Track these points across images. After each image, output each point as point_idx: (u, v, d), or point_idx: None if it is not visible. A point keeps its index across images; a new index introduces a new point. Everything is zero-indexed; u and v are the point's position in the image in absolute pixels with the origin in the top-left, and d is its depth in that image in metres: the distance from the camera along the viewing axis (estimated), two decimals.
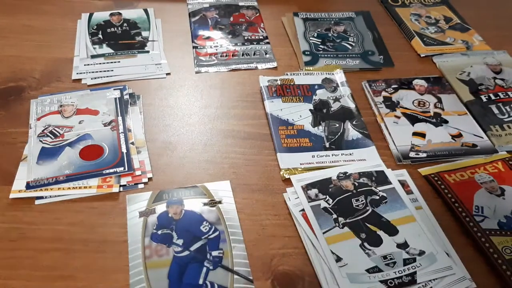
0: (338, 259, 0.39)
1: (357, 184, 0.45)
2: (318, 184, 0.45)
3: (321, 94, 0.56)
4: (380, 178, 0.46)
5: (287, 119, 0.52)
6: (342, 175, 0.46)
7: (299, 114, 0.53)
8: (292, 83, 0.57)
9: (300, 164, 0.47)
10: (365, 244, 0.40)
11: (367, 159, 0.48)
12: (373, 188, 0.45)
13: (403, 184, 0.46)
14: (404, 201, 0.44)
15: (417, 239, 0.41)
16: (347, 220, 0.42)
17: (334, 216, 0.42)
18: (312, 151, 0.49)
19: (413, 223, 0.42)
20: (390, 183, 0.46)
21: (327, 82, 0.57)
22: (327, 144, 0.50)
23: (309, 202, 0.43)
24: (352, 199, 0.44)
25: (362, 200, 0.44)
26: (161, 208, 0.42)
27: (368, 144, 0.50)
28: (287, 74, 0.58)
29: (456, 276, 0.38)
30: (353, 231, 0.41)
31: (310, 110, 0.54)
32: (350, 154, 0.49)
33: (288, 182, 0.46)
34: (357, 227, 0.42)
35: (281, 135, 0.50)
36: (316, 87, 0.56)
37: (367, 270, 0.38)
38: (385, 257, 0.39)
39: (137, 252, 0.39)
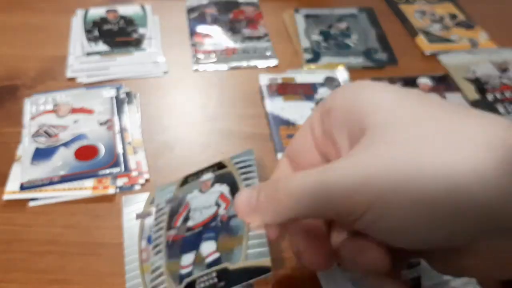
0: None
1: None
2: None
3: (324, 93, 0.54)
4: None
5: (288, 119, 0.51)
6: None
7: (301, 113, 0.52)
8: (293, 82, 0.55)
9: None
10: None
11: None
12: None
13: None
14: None
15: None
16: None
17: None
18: None
19: None
20: None
21: (330, 80, 0.56)
22: None
23: None
24: None
25: None
26: None
27: None
28: (288, 72, 0.57)
29: (461, 280, 0.37)
30: None
31: (312, 109, 0.52)
32: None
33: None
34: None
35: (282, 135, 0.49)
36: (318, 85, 0.55)
37: None
38: None
39: (133, 254, 0.38)
